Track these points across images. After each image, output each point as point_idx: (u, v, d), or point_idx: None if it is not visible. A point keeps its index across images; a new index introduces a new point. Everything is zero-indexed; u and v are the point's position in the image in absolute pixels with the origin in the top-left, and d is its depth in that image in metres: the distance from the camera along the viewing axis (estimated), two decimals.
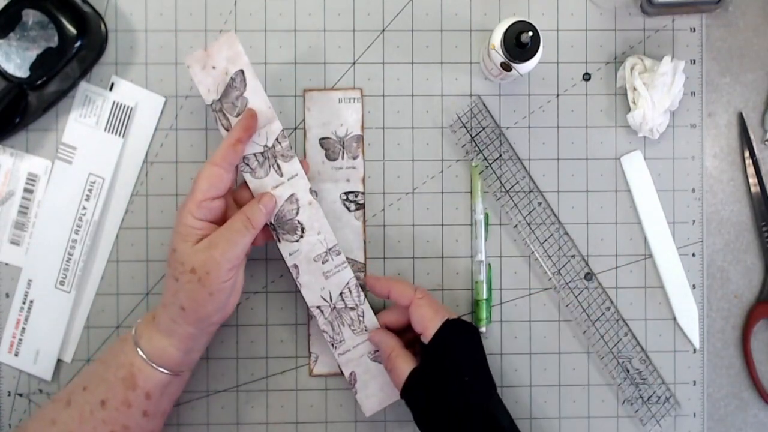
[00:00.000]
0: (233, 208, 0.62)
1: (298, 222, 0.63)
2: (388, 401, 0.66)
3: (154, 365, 0.59)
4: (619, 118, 0.70)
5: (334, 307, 0.65)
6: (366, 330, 0.65)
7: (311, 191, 0.63)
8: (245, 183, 0.63)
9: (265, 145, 0.62)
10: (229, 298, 0.60)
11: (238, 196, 0.63)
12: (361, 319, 0.65)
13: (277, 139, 0.62)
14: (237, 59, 0.62)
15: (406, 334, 0.65)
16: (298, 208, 0.63)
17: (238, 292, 0.62)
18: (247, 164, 0.62)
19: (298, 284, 0.64)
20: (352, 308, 0.65)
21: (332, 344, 0.65)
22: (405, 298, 0.63)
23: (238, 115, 0.62)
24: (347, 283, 0.65)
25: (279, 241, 0.64)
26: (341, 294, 0.65)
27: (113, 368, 0.60)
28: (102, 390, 0.59)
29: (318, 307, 0.65)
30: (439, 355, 0.61)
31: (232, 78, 0.62)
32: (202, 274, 0.57)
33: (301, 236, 0.64)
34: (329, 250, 0.64)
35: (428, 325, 0.61)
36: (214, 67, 0.62)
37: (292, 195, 0.63)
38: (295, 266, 0.64)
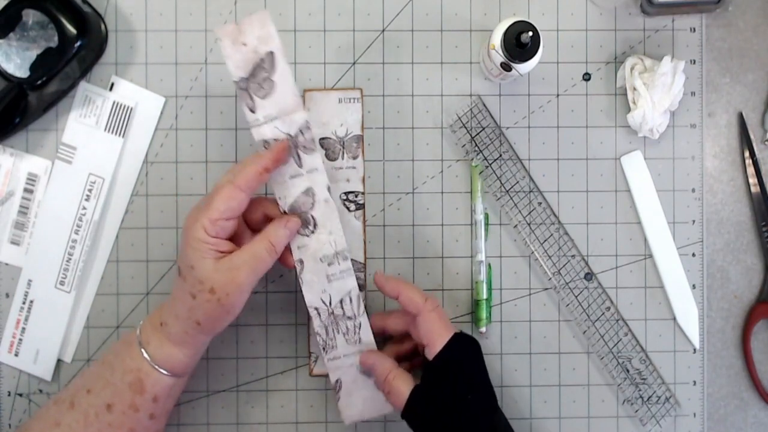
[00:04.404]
0: (243, 225, 0.62)
1: (312, 217, 0.62)
2: (368, 415, 0.65)
3: (162, 371, 0.59)
4: (619, 118, 0.70)
5: (332, 312, 0.64)
6: (360, 341, 0.64)
7: (329, 189, 0.62)
8: (255, 201, 0.62)
9: (288, 134, 0.60)
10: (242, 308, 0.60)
11: (247, 216, 0.62)
12: (357, 330, 0.64)
13: (300, 129, 0.61)
14: (268, 40, 0.59)
15: (401, 344, 0.65)
16: (313, 203, 0.62)
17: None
18: (266, 149, 0.61)
19: (300, 281, 0.63)
20: (349, 318, 0.64)
21: (323, 348, 0.65)
22: (414, 306, 0.61)
23: (263, 97, 0.60)
24: (349, 292, 0.64)
25: None
26: (341, 301, 0.64)
27: (119, 373, 0.59)
28: (108, 394, 0.59)
29: (316, 309, 0.64)
30: (444, 372, 0.60)
31: (261, 58, 0.59)
32: (222, 295, 0.57)
33: (312, 232, 0.62)
34: (337, 253, 0.63)
35: (436, 340, 0.60)
36: (244, 44, 0.59)
37: (308, 188, 0.62)
38: (301, 261, 0.63)
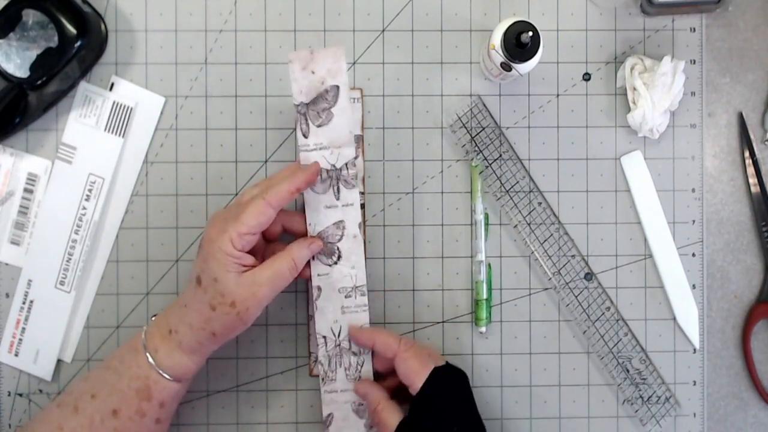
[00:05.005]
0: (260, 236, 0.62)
1: (338, 248, 0.64)
2: None
3: (171, 378, 0.60)
4: (619, 118, 0.70)
5: (339, 344, 0.65)
6: (359, 380, 0.65)
7: (360, 226, 0.64)
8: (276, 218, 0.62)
9: (333, 165, 0.63)
10: None
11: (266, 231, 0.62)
12: (359, 368, 0.65)
13: (346, 164, 0.63)
14: (337, 74, 0.62)
15: (393, 378, 0.65)
16: (342, 236, 0.63)
17: None
18: (301, 171, 0.62)
19: (314, 306, 0.64)
20: (354, 354, 0.65)
21: (322, 378, 0.65)
22: (389, 351, 0.62)
23: (319, 126, 0.62)
24: (360, 328, 0.64)
25: (313, 258, 0.64)
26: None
27: (126, 379, 0.59)
28: (114, 400, 0.59)
29: (324, 337, 0.65)
30: (426, 407, 0.60)
31: (326, 89, 0.62)
32: (242, 309, 0.58)
33: (335, 263, 0.64)
34: (356, 287, 0.64)
35: (415, 378, 0.60)
36: (313, 72, 0.62)
37: (340, 221, 0.63)
38: (319, 288, 0.64)
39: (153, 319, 0.62)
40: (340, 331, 0.64)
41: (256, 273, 0.58)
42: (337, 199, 0.63)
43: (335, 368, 0.65)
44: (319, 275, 0.64)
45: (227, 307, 0.58)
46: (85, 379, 0.61)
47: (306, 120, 0.62)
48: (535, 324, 0.69)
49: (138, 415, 0.59)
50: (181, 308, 0.60)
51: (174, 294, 0.69)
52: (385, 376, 0.65)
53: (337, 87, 0.62)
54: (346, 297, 0.64)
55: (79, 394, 0.60)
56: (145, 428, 0.60)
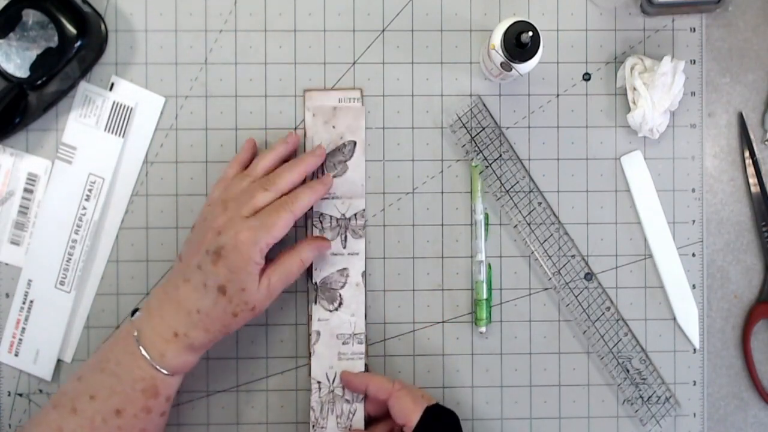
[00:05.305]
0: None
1: (339, 295, 0.66)
2: None
3: (177, 374, 0.60)
4: (619, 118, 0.70)
5: (332, 391, 0.66)
6: (350, 429, 0.65)
7: (363, 275, 0.66)
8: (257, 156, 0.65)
9: (343, 215, 0.66)
10: None
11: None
12: (351, 416, 0.65)
13: (355, 214, 0.66)
14: (356, 131, 0.67)
15: (383, 425, 0.65)
16: (345, 283, 0.66)
17: None
18: (321, 222, 0.66)
19: (311, 350, 0.66)
20: (347, 401, 0.65)
21: (313, 425, 0.66)
22: (383, 392, 0.63)
23: (334, 176, 0.66)
24: (353, 372, 0.66)
25: (315, 302, 0.66)
26: None
27: (129, 381, 0.59)
28: (116, 400, 0.59)
29: (318, 382, 0.66)
30: None
31: (344, 143, 0.66)
32: (260, 310, 0.61)
33: (336, 309, 0.66)
34: (354, 334, 0.66)
35: (411, 416, 0.61)
36: (334, 127, 0.66)
37: (344, 269, 0.66)
38: (317, 332, 0.66)
39: (134, 319, 0.61)
40: (334, 377, 0.66)
41: (270, 276, 0.60)
42: (344, 247, 0.66)
43: (326, 416, 0.65)
44: (319, 320, 0.66)
45: (249, 311, 0.60)
46: (78, 379, 0.60)
47: (323, 170, 0.66)
48: (535, 324, 0.69)
49: (144, 412, 0.59)
50: (190, 314, 0.59)
51: None
52: (375, 425, 0.66)
53: (354, 142, 0.66)
54: (343, 344, 0.66)
55: (75, 395, 0.60)
56: (151, 423, 0.60)
